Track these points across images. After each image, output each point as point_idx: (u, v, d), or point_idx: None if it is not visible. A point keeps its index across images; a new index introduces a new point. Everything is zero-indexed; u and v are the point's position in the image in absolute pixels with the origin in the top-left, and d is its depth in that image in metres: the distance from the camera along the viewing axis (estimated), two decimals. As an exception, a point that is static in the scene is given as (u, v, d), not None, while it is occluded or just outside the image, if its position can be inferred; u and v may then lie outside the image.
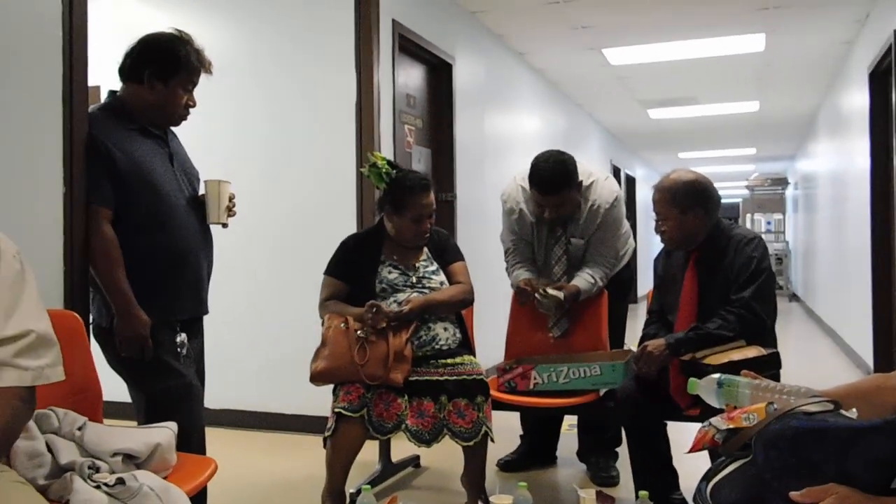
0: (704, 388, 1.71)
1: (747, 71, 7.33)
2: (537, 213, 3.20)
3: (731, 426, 1.50)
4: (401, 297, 2.85)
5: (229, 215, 2.49)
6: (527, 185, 3.18)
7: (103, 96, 2.43)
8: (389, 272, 2.92)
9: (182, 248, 2.35)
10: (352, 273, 2.93)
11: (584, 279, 3.17)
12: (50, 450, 1.69)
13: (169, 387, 2.30)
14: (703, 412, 2.52)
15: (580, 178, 3.16)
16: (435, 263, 3.00)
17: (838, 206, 7.67)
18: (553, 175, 3.07)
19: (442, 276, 2.97)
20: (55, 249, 2.25)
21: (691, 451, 1.61)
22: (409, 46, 4.46)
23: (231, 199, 2.49)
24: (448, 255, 3.04)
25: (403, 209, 2.90)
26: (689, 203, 2.67)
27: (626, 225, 3.40)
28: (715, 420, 1.56)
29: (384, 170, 2.92)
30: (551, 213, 3.15)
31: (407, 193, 2.89)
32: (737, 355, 2.49)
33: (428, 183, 2.95)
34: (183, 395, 2.33)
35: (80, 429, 1.79)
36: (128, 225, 2.26)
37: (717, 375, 1.69)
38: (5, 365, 1.46)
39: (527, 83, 7.03)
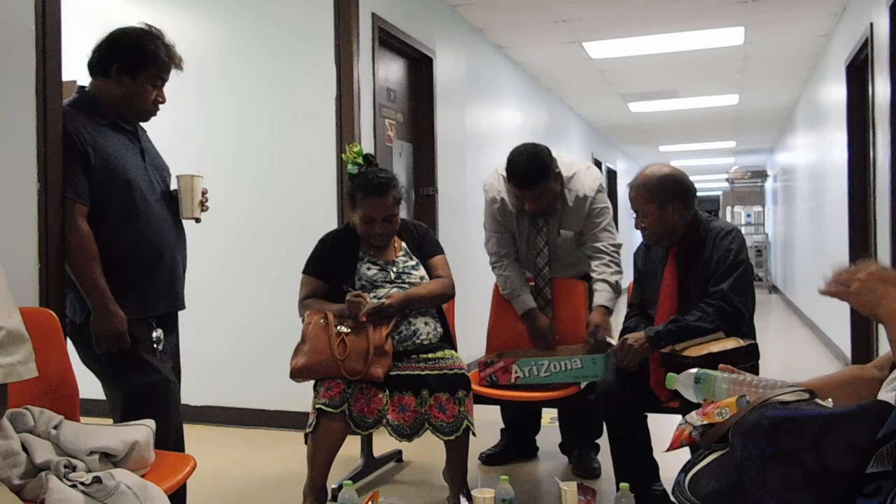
0: (682, 383, 1.73)
1: (727, 64, 7.38)
2: (518, 205, 3.21)
3: (705, 422, 1.51)
4: (381, 292, 2.84)
5: (202, 210, 2.47)
6: (505, 173, 3.18)
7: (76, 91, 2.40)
8: (368, 268, 2.90)
9: (156, 243, 2.33)
10: (330, 271, 2.91)
11: (602, 293, 3.13)
12: (25, 449, 1.67)
13: (145, 383, 2.28)
14: (682, 405, 2.54)
15: (560, 169, 3.17)
16: (414, 258, 2.99)
17: (816, 198, 7.74)
18: (528, 168, 3.08)
19: (422, 271, 2.96)
20: (30, 246, 2.22)
21: (670, 449, 1.62)
22: (389, 40, 4.45)
23: (204, 193, 2.47)
24: (427, 248, 3.04)
25: (356, 207, 2.90)
26: (666, 197, 2.68)
27: (610, 209, 3.42)
28: (690, 417, 1.58)
29: (353, 160, 2.93)
30: (531, 206, 3.16)
31: (359, 192, 2.88)
32: (716, 347, 2.51)
33: (384, 187, 2.86)
34: (160, 392, 2.31)
35: (56, 427, 1.77)
36: (102, 221, 2.24)
37: (693, 371, 1.71)
38: (-24, 363, 1.44)
39: (508, 77, 7.03)
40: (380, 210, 2.86)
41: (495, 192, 3.28)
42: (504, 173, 3.20)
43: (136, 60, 2.30)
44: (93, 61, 2.33)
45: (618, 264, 3.20)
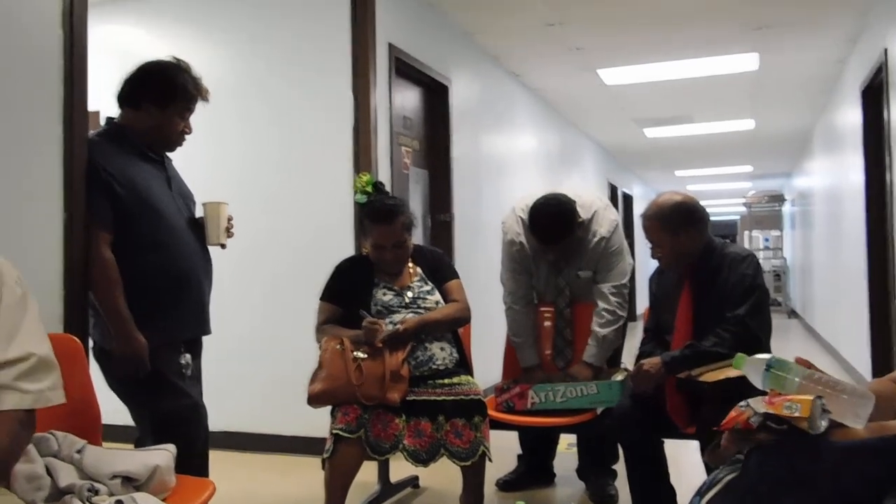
0: (752, 366, 1.63)
1: (742, 90, 7.39)
2: (538, 250, 3.25)
3: (770, 410, 1.46)
4: (396, 318, 2.86)
5: (227, 236, 2.52)
6: (525, 217, 3.22)
7: (103, 122, 2.47)
8: (384, 294, 2.93)
9: (184, 269, 2.38)
10: (346, 297, 2.94)
11: (590, 347, 3.16)
12: (49, 473, 1.70)
13: (176, 407, 2.32)
14: (699, 430, 2.54)
15: (581, 214, 3.19)
16: (429, 283, 3.01)
17: (834, 223, 7.70)
18: (554, 227, 3.12)
19: (437, 296, 2.99)
20: (55, 273, 2.27)
21: (722, 427, 1.54)
22: (405, 69, 4.51)
23: (229, 220, 2.53)
24: (442, 273, 3.06)
25: (366, 234, 2.94)
26: (678, 225, 2.70)
27: (625, 243, 3.43)
28: (754, 401, 1.51)
29: (361, 189, 2.97)
30: (554, 255, 3.23)
31: (368, 220, 2.93)
32: (733, 372, 2.49)
33: (391, 213, 2.90)
34: (190, 415, 2.36)
35: (79, 451, 1.80)
36: (131, 248, 2.29)
37: (767, 356, 1.61)
38: (6, 388, 1.48)
39: (523, 103, 7.08)
40: (389, 237, 2.89)
41: (514, 234, 3.30)
42: (522, 214, 3.24)
43: (166, 93, 2.37)
44: (122, 93, 2.40)
45: (612, 311, 3.18)
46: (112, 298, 2.24)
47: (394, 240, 2.90)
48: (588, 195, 3.35)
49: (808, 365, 1.59)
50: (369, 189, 2.98)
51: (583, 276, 3.27)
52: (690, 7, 5.02)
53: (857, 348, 6.14)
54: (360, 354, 2.73)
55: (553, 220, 3.12)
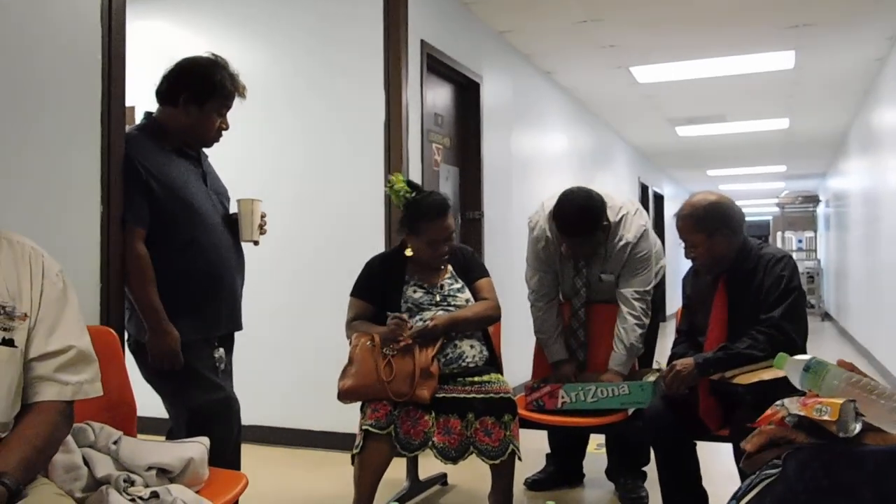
0: (792, 366, 1.62)
1: (777, 88, 7.28)
2: (561, 246, 3.22)
3: (802, 412, 1.45)
4: (427, 315, 2.86)
5: (261, 233, 2.54)
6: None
7: (138, 117, 2.50)
8: (414, 291, 2.93)
9: (218, 265, 2.41)
10: (377, 293, 2.95)
11: (617, 355, 3.12)
12: (86, 463, 1.73)
13: (210, 400, 2.35)
14: (732, 433, 2.50)
15: (609, 215, 3.15)
16: (460, 281, 3.01)
17: (871, 224, 7.56)
18: (578, 219, 3.07)
19: (467, 294, 2.98)
20: (92, 267, 2.31)
21: (756, 424, 1.54)
22: (437, 66, 4.51)
23: (263, 217, 2.55)
24: (473, 272, 3.05)
25: (419, 232, 2.92)
26: (713, 226, 2.66)
27: (658, 244, 3.39)
28: (789, 401, 1.50)
29: (402, 192, 2.95)
30: (569, 250, 3.17)
31: (422, 218, 2.90)
32: (767, 375, 2.46)
33: (445, 207, 2.92)
34: (223, 409, 2.38)
35: (115, 443, 1.83)
36: (166, 243, 2.31)
37: (807, 357, 1.60)
38: (46, 379, 1.51)
39: (554, 102, 7.05)
40: (445, 230, 2.91)
41: (541, 230, 3.27)
42: (551, 212, 3.21)
43: (204, 90, 2.39)
44: (161, 89, 2.42)
45: (637, 317, 3.14)
46: (145, 293, 2.27)
47: (449, 232, 2.92)
48: (619, 198, 3.29)
49: (851, 367, 1.56)
50: (407, 189, 2.96)
51: (605, 280, 3.23)
52: (725, 4, 4.95)
53: (893, 352, 6.03)
54: (390, 352, 2.73)
55: (579, 210, 3.07)
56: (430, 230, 2.89)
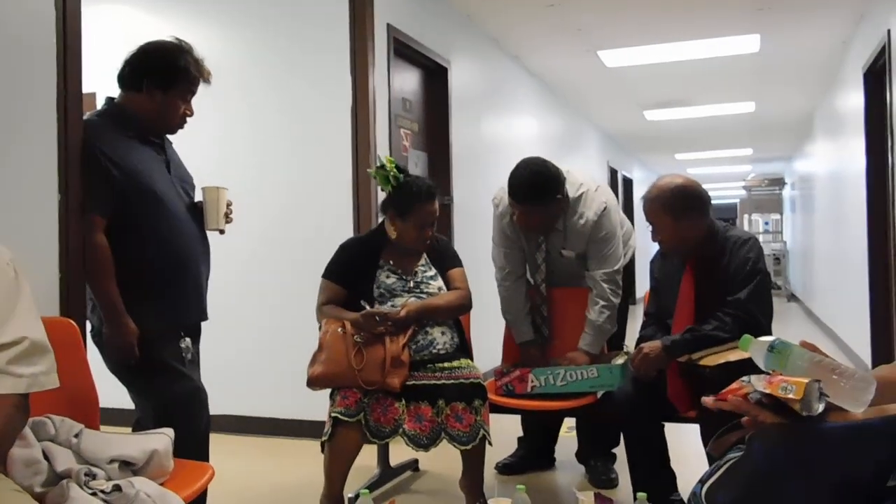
0: (756, 348, 1.63)
1: (743, 72, 7.35)
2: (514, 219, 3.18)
3: (767, 390, 1.46)
4: (398, 301, 2.84)
5: (227, 222, 2.50)
6: None
7: (99, 103, 2.43)
8: (387, 277, 2.91)
9: (184, 254, 2.36)
10: (350, 277, 2.92)
11: (586, 335, 3.12)
12: (46, 457, 1.69)
13: (177, 391, 2.32)
14: (700, 415, 2.53)
15: (569, 191, 3.12)
16: (433, 269, 2.99)
17: (835, 206, 7.68)
18: (529, 185, 3.03)
19: (440, 282, 2.97)
20: (51, 256, 2.25)
21: (717, 398, 1.54)
22: (404, 50, 4.47)
23: (229, 205, 2.50)
24: (447, 261, 3.04)
25: (408, 214, 2.89)
26: (680, 209, 2.66)
27: (626, 224, 3.39)
28: (755, 378, 1.50)
29: (392, 173, 2.92)
30: (520, 221, 3.13)
31: (413, 199, 2.88)
32: (733, 356, 2.48)
33: (434, 190, 2.95)
34: (191, 399, 2.35)
35: (76, 436, 1.79)
36: (130, 232, 2.26)
37: (771, 338, 1.62)
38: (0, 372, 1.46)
39: (523, 86, 7.04)
40: (432, 214, 2.92)
41: (504, 205, 3.24)
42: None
43: (168, 76, 2.33)
44: (123, 75, 2.36)
45: (607, 299, 3.13)
46: (103, 284, 2.22)
47: (435, 216, 2.93)
48: (581, 175, 3.26)
49: (813, 348, 1.58)
50: (397, 172, 2.93)
51: (566, 256, 3.21)
52: (692, -12, 4.97)
53: (857, 332, 6.14)
54: (360, 340, 2.71)
55: (531, 175, 3.04)
56: (420, 212, 2.88)
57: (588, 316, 3.14)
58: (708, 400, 1.55)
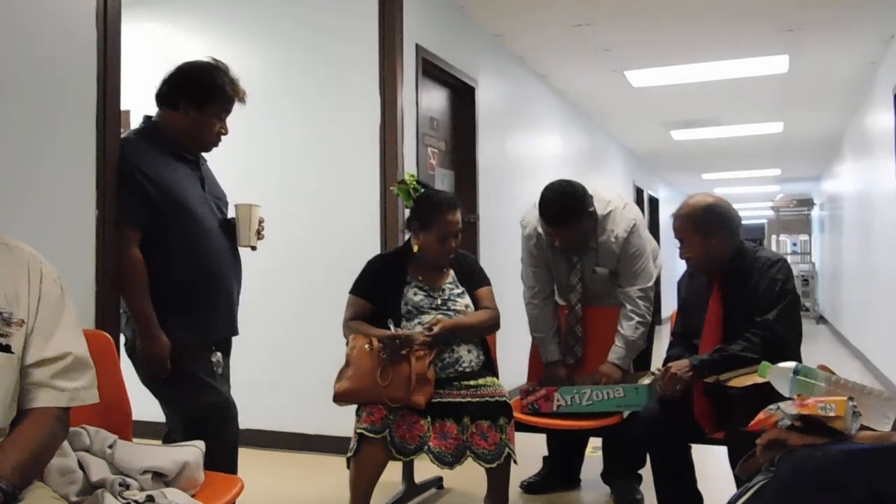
0: (777, 374, 1.63)
1: (771, 92, 7.31)
2: (549, 241, 3.22)
3: (802, 412, 1.45)
4: (425, 318, 2.86)
5: (258, 238, 2.54)
6: None
7: (133, 121, 2.49)
8: (415, 293, 2.93)
9: (216, 270, 2.41)
10: (377, 293, 2.95)
11: (617, 349, 3.12)
12: (81, 467, 1.73)
13: (208, 404, 2.35)
14: (727, 436, 2.51)
15: (595, 207, 3.15)
16: (461, 286, 3.01)
17: (865, 227, 7.59)
18: (559, 206, 3.08)
19: (467, 299, 2.99)
20: (88, 271, 2.30)
21: (749, 428, 1.54)
22: (432, 70, 4.52)
23: (261, 222, 2.54)
24: (475, 279, 3.06)
25: (430, 226, 2.92)
26: (711, 227, 2.67)
27: (653, 242, 3.39)
28: (784, 405, 1.50)
29: (412, 186, 2.96)
30: (560, 243, 3.18)
31: (434, 210, 2.91)
32: (761, 378, 2.47)
33: (456, 201, 2.96)
34: (221, 412, 2.39)
35: (110, 447, 1.83)
36: (163, 248, 2.31)
37: (793, 364, 1.62)
38: (43, 385, 1.51)
39: (549, 105, 7.06)
40: (455, 224, 2.93)
41: (532, 228, 3.28)
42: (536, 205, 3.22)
43: (204, 94, 2.39)
44: (161, 93, 2.42)
45: (641, 315, 3.15)
46: (137, 298, 2.27)
47: (458, 228, 2.94)
48: (608, 193, 3.30)
49: (832, 371, 1.59)
50: (418, 186, 2.97)
51: (599, 273, 3.23)
52: (720, 8, 4.97)
53: (887, 355, 6.05)
54: (388, 356, 2.73)
55: (559, 198, 3.08)
56: (442, 223, 2.89)
57: (621, 331, 3.14)
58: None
